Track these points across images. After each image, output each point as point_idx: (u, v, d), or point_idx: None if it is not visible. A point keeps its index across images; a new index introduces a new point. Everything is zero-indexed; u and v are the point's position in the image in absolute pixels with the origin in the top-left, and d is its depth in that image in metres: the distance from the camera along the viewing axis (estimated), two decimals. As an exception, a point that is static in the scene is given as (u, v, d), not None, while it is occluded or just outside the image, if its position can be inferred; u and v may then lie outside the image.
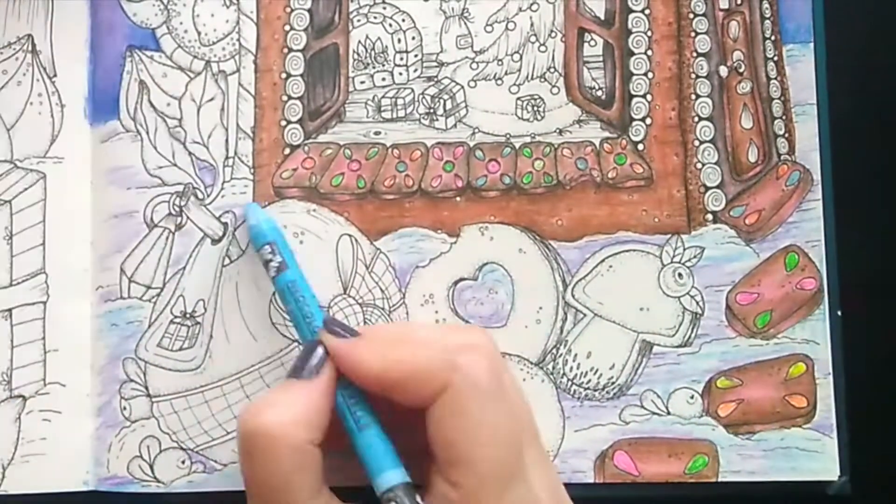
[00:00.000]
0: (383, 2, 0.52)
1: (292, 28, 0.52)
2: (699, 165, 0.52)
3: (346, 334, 0.44)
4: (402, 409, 0.43)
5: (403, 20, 0.52)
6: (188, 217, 0.50)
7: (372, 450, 0.43)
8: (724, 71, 0.52)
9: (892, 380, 0.52)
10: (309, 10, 0.52)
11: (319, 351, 0.44)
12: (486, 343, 0.44)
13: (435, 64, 0.52)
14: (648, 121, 0.52)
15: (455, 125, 0.52)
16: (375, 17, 0.52)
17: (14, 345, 0.50)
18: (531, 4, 0.52)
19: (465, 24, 0.52)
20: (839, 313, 0.51)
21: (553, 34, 0.52)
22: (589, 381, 0.51)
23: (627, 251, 0.51)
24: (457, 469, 0.41)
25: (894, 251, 0.53)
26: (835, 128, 0.52)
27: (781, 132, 0.52)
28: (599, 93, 0.52)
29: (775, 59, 0.52)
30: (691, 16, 0.52)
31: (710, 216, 0.52)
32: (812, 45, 0.52)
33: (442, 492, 0.42)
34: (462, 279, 0.51)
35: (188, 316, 0.50)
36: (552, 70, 0.52)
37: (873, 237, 0.52)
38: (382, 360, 0.43)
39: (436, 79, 0.52)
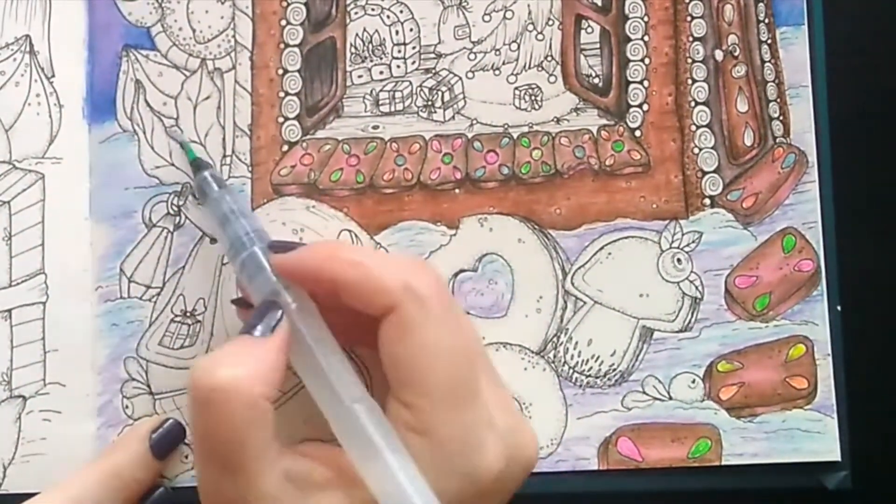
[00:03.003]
0: (380, -8, 0.52)
1: (288, 23, 0.51)
2: (696, 150, 0.52)
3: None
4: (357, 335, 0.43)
5: (402, 11, 0.51)
6: (186, 216, 0.50)
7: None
8: (719, 55, 0.52)
9: (891, 361, 0.53)
10: (305, 4, 0.51)
11: (275, 310, 0.43)
12: (431, 268, 0.44)
13: (433, 55, 0.52)
14: (645, 107, 0.52)
15: (453, 117, 0.51)
16: (373, 9, 0.51)
17: (14, 345, 0.50)
18: (529, -8, 0.52)
19: (463, 13, 0.52)
20: (838, 308, 0.51)
21: (550, 22, 0.52)
22: (590, 368, 0.51)
23: (626, 238, 0.51)
24: (409, 389, 0.41)
25: (894, 234, 0.53)
26: (835, 110, 0.52)
27: (776, 115, 0.52)
28: (596, 80, 0.52)
29: (769, 42, 0.52)
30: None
31: (707, 201, 0.52)
32: (805, 27, 0.52)
33: (396, 413, 0.41)
34: (462, 271, 0.51)
35: (189, 314, 0.50)
36: (549, 58, 0.52)
37: (872, 220, 0.53)
38: (331, 258, 0.43)
39: (434, 70, 0.51)
